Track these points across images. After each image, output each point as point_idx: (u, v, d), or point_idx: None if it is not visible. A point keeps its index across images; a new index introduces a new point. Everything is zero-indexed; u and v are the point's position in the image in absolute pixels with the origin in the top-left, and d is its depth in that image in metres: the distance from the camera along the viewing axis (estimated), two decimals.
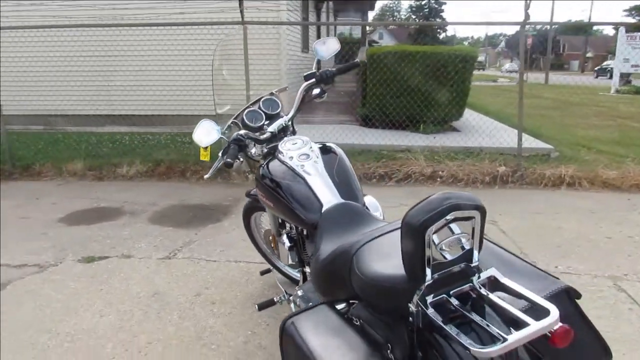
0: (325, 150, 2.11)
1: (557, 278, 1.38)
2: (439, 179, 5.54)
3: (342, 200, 1.90)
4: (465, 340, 1.07)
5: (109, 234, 4.07)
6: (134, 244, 3.84)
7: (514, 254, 1.50)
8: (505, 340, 1.04)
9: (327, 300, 1.57)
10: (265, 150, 2.23)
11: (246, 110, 2.30)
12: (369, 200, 2.23)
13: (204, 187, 5.53)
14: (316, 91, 2.35)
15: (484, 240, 1.29)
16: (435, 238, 1.12)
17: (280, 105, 2.37)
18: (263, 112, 2.31)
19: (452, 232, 1.15)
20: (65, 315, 2.76)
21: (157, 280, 3.18)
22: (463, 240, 1.16)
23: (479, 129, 7.43)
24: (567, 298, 1.34)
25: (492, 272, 1.22)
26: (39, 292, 3.06)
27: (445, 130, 7.92)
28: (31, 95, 8.54)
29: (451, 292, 1.18)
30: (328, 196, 1.91)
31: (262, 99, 2.37)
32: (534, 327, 1.05)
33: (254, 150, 2.27)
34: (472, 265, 1.20)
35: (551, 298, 1.31)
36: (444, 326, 1.11)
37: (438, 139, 6.91)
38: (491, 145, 6.46)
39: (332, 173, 2.01)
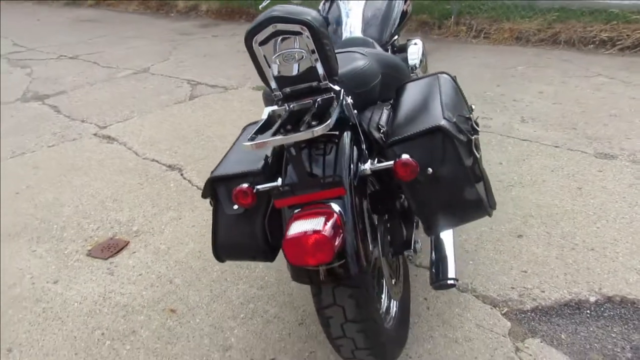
0: None
1: (448, 119, 1.26)
2: None
3: (359, 36, 1.92)
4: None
5: None
6: None
7: (441, 95, 1.39)
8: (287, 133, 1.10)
9: None
10: None
11: None
12: (412, 47, 2.14)
13: None
14: None
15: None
16: (264, 51, 1.17)
17: None
18: None
19: (287, 48, 1.17)
20: (216, 124, 3.51)
21: None
22: (305, 56, 1.17)
23: None
24: (440, 137, 1.23)
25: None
26: (211, 105, 3.90)
27: None
28: None
29: (292, 104, 1.23)
30: (348, 31, 1.94)
31: None
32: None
33: None
34: (321, 83, 1.21)
35: (423, 134, 1.24)
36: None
37: None
38: None
39: (367, 13, 2.01)
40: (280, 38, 1.15)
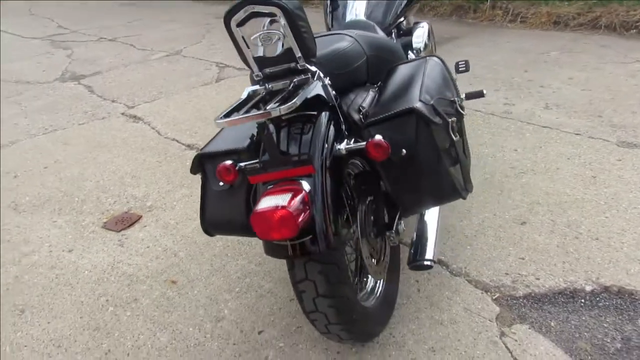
0: None
1: (424, 102, 1.26)
2: None
3: (361, 19, 1.92)
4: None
5: None
6: None
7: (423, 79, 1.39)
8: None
9: None
10: None
11: None
12: (418, 30, 2.12)
13: None
14: None
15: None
16: (243, 32, 1.20)
17: None
18: None
19: (263, 29, 1.20)
20: None
21: None
22: (281, 37, 1.19)
23: None
24: (414, 120, 1.24)
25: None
26: (236, 87, 3.97)
27: None
28: None
29: (270, 85, 1.26)
30: (353, 13, 1.95)
31: None
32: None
33: None
34: (299, 64, 1.23)
35: (396, 116, 1.25)
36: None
37: None
38: None
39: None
40: (257, 19, 1.17)
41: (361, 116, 1.33)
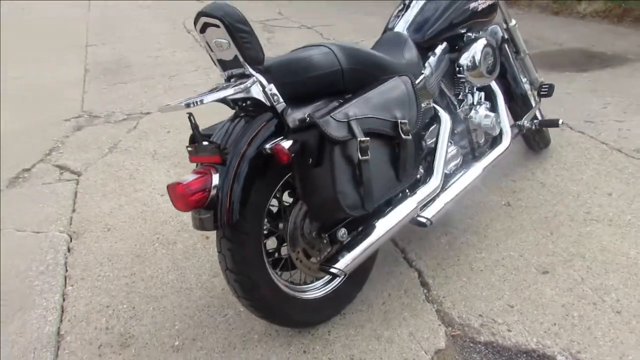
0: None
1: (335, 118, 1.33)
2: None
3: (395, 31, 1.96)
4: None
5: None
6: None
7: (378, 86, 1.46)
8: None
9: None
10: None
11: None
12: (472, 45, 2.03)
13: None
14: None
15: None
16: (206, 37, 1.39)
17: None
18: None
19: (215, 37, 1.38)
20: None
21: None
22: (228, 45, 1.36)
23: None
24: (315, 133, 1.32)
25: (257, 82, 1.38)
26: None
27: None
28: None
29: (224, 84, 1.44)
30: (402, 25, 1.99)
31: None
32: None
33: None
34: (244, 69, 1.40)
35: (305, 127, 1.36)
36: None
37: None
38: None
39: (424, 9, 2.00)
40: (211, 28, 1.35)
41: (298, 121, 1.42)
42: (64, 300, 1.91)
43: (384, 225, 1.53)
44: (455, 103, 2.04)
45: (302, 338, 1.62)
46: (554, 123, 2.23)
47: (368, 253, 1.49)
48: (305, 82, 1.47)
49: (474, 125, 2.05)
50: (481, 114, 2.04)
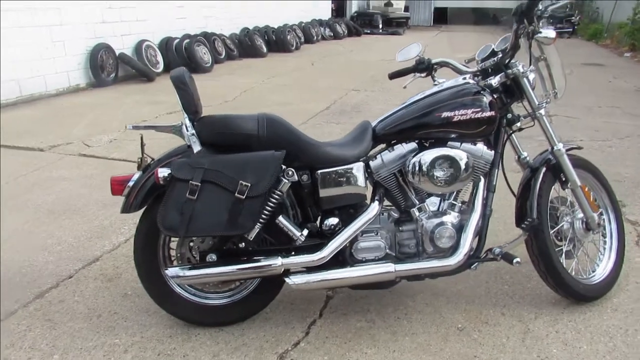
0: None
1: (190, 163, 1.83)
2: None
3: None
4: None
5: None
6: None
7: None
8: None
9: None
10: None
11: None
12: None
13: None
14: None
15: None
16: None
17: None
18: None
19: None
20: None
21: None
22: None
23: None
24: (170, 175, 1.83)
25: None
26: None
27: None
28: None
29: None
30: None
31: None
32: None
33: None
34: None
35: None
36: None
37: None
38: None
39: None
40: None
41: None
42: None
43: (238, 264, 1.90)
44: (415, 201, 2.03)
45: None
46: (510, 258, 2.00)
47: (211, 280, 1.95)
48: (227, 135, 1.89)
49: (423, 230, 1.98)
50: (434, 221, 1.97)
